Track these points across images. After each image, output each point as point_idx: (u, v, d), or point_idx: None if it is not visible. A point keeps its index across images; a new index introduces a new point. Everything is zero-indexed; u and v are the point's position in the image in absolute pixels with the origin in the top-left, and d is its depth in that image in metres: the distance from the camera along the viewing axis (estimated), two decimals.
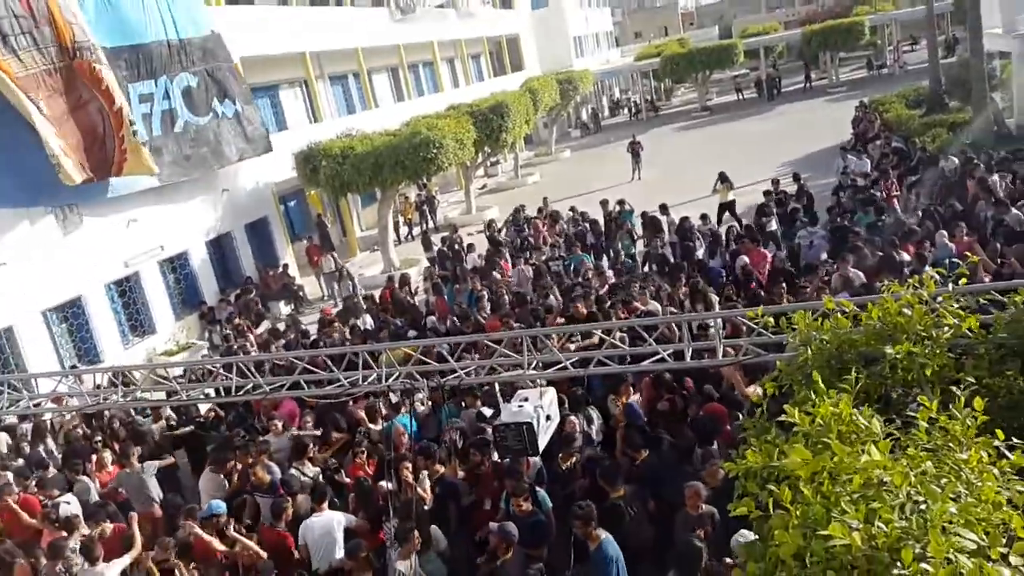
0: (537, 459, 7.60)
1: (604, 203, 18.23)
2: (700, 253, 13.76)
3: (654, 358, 5.77)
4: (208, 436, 10.32)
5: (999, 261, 9.87)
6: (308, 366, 6.16)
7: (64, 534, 8.06)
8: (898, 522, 2.95)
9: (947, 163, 15.73)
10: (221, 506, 7.93)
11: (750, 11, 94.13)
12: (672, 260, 13.76)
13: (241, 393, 6.00)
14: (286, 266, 21.25)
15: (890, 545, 2.86)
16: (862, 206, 13.85)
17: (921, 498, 3.13)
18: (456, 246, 18.35)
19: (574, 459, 7.59)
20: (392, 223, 23.86)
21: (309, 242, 21.90)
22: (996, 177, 13.61)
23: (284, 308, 19.50)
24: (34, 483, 9.40)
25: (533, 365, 6.15)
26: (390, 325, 12.86)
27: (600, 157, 34.92)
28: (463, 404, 9.22)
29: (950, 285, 5.27)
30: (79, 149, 14.05)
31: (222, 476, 8.86)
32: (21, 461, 10.51)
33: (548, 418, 5.93)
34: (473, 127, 22.76)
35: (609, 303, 10.72)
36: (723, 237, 14.05)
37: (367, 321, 14.08)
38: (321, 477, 8.43)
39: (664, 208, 16.48)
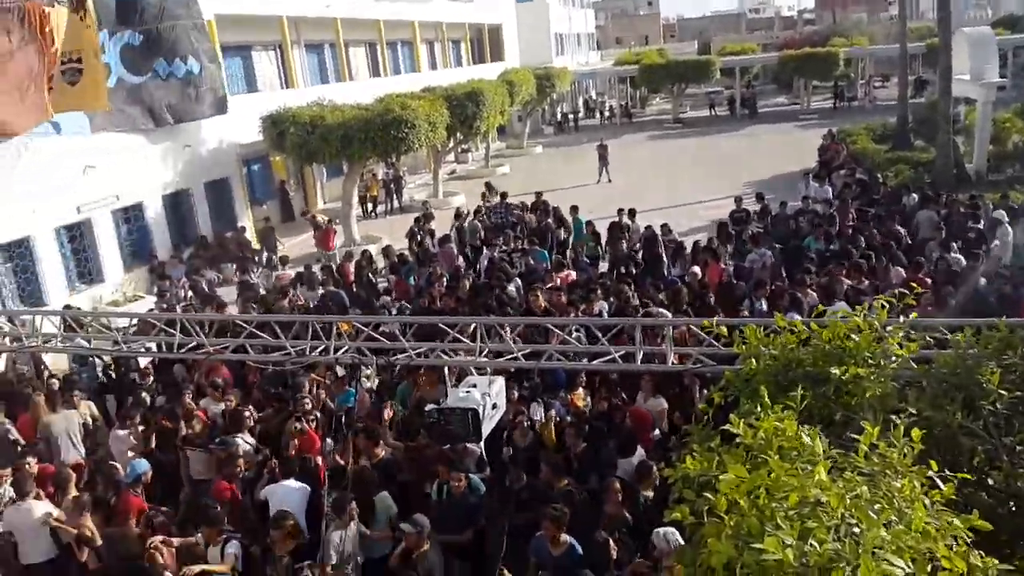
0: (478, 447, 7.60)
1: (575, 209, 17.90)
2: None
3: (604, 358, 5.78)
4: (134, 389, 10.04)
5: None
6: (256, 331, 6.02)
7: None
8: (831, 543, 2.98)
9: (908, 199, 16.10)
10: (143, 464, 7.79)
11: (730, 31, 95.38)
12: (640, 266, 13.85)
13: (183, 351, 5.84)
14: (243, 229, 20.88)
15: (822, 565, 2.89)
16: (814, 232, 14.14)
17: (855, 521, 3.17)
18: (425, 228, 18.16)
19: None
20: (357, 199, 23.57)
21: (326, 225, 19.96)
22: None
23: (238, 272, 19.13)
24: None
25: (485, 353, 6.11)
26: (340, 299, 12.71)
27: (571, 156, 34.98)
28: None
29: (900, 317, 5.38)
30: (11, 94, 13.92)
31: (130, 434, 8.64)
32: None
33: (495, 407, 5.91)
34: (447, 111, 22.58)
35: (568, 300, 10.77)
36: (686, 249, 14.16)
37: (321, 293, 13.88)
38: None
39: (632, 213, 16.52)
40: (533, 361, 6.16)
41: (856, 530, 3.09)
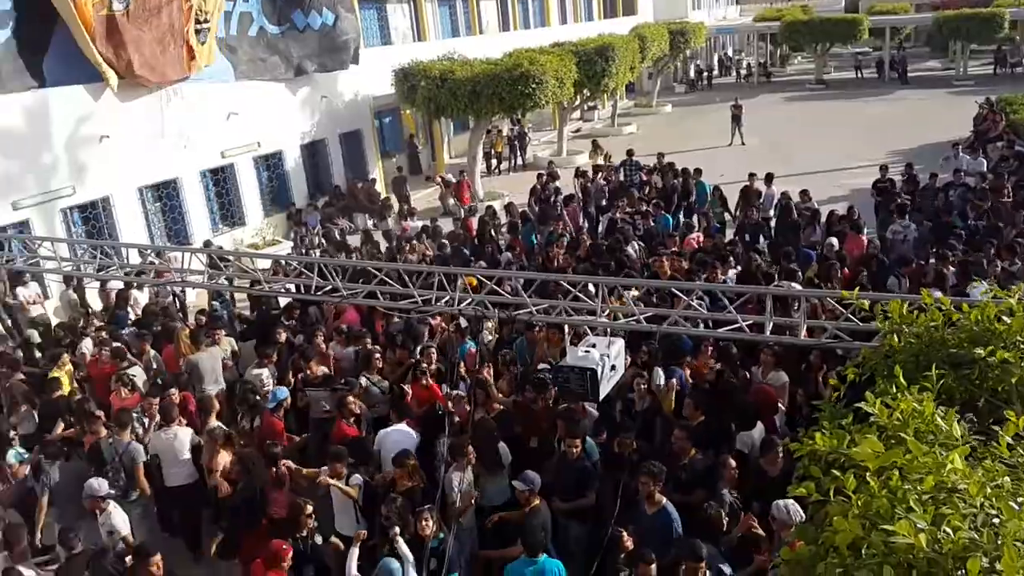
0: (595, 410, 7.65)
1: (699, 172, 17.53)
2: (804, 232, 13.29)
3: (732, 326, 5.64)
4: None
5: None
6: (385, 278, 6.24)
7: (132, 402, 8.58)
8: (967, 531, 2.85)
9: None
10: (283, 391, 8.30)
11: None
12: (771, 234, 13.39)
13: (320, 293, 6.14)
14: (374, 180, 21.51)
15: (956, 552, 2.78)
16: (965, 206, 13.20)
17: (995, 512, 3.01)
18: (550, 186, 18.18)
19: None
20: (482, 154, 23.79)
21: (459, 177, 20.70)
22: None
23: (367, 222, 19.83)
24: (108, 350, 9.89)
25: (606, 313, 6.09)
26: (463, 253, 12.98)
27: (702, 116, 33.93)
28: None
29: None
30: (153, 47, 14.81)
31: (266, 372, 9.15)
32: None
33: (613, 368, 5.89)
34: (575, 67, 22.29)
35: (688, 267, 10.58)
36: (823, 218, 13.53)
37: (443, 246, 14.22)
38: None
39: (769, 178, 15.87)
40: (654, 324, 6.09)
41: (996, 521, 2.93)
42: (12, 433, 8.19)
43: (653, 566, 5.39)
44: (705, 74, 46.94)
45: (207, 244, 14.65)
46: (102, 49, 14.07)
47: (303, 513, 6.40)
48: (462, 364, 8.57)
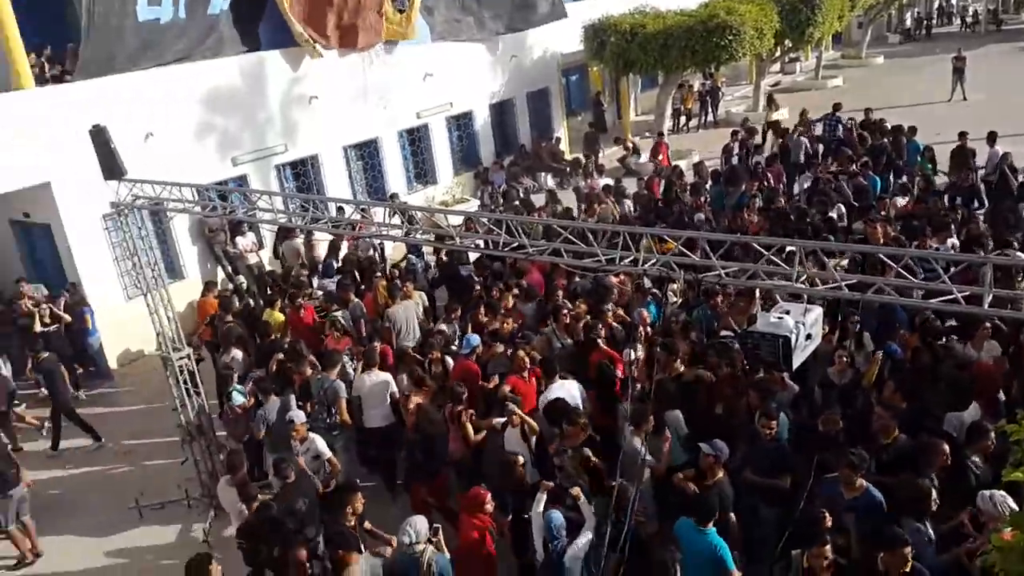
0: (795, 385, 7.36)
1: (913, 130, 16.03)
2: None
3: (946, 297, 5.14)
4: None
5: None
6: (570, 236, 6.25)
7: (342, 345, 9.27)
8: None
9: None
10: (475, 339, 8.73)
11: None
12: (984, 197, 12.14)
13: (507, 249, 6.27)
14: (559, 139, 21.55)
15: None
16: None
17: None
18: (749, 143, 17.49)
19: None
20: (671, 111, 23.13)
21: (656, 138, 20.40)
22: None
23: (551, 181, 20.01)
24: (320, 294, 10.71)
25: (803, 279, 5.74)
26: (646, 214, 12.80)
27: (918, 69, 30.98)
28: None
29: None
30: (353, 14, 15.58)
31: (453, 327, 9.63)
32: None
33: (808, 337, 5.55)
34: (777, 16, 20.96)
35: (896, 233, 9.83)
36: None
37: (627, 206, 14.11)
38: None
39: (992, 138, 14.25)
40: (857, 293, 5.67)
41: None
42: (232, 373, 9.14)
43: (828, 547, 5.22)
44: (924, 23, 42.74)
45: (392, 198, 15.41)
46: (299, 15, 14.91)
47: (517, 464, 6.68)
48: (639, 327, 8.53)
